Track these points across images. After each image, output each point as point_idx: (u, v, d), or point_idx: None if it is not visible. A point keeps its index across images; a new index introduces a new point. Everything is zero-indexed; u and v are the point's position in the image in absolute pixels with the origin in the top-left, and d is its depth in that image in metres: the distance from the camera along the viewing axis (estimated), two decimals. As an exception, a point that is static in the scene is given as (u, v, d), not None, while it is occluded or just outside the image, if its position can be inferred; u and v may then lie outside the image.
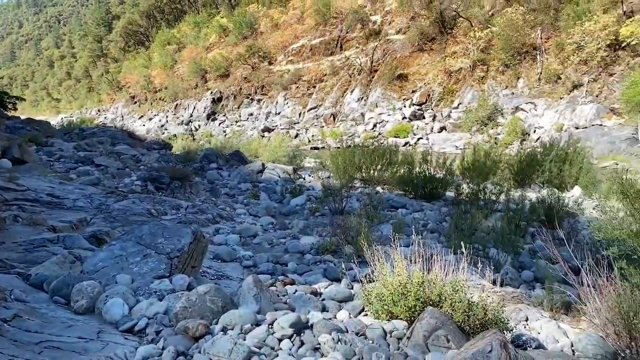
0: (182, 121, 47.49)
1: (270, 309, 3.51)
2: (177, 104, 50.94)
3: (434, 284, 3.10)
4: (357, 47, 42.94)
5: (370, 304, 3.29)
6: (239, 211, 8.77)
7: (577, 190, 10.65)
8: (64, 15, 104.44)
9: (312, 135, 36.72)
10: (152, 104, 54.60)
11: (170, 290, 3.63)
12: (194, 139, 28.44)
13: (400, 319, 3.11)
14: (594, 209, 9.08)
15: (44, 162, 10.86)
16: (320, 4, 46.36)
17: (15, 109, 36.23)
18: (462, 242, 3.65)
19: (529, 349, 3.14)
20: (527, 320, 3.87)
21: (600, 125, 24.10)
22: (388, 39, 41.55)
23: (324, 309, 3.53)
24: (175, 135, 30.56)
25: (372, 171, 11.32)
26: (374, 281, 3.73)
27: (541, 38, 30.51)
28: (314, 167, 14.94)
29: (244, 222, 7.61)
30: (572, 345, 3.30)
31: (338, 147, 28.34)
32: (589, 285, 3.42)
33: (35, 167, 10.15)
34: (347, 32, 44.70)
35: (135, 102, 57.56)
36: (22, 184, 7.83)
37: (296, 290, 3.99)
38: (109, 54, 75.45)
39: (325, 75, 42.62)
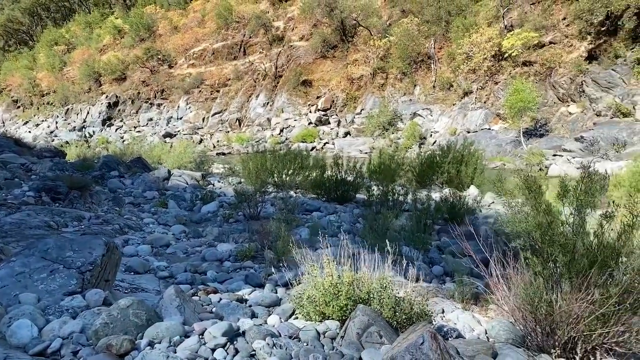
0: (75, 127, 44.23)
1: (196, 319, 3.39)
2: (68, 109, 47.32)
3: (362, 282, 3.19)
4: (261, 52, 42.93)
5: (301, 306, 3.30)
6: (147, 220, 8.36)
7: (473, 189, 11.52)
8: None
9: (218, 141, 36.02)
10: (38, 108, 50.21)
11: (84, 306, 3.36)
12: (89, 146, 26.59)
13: (333, 319, 3.15)
14: (489, 205, 9.89)
15: None
16: (222, 7, 45.72)
17: None
18: (377, 242, 3.78)
19: (450, 339, 3.34)
20: (443, 312, 4.11)
21: (489, 129, 26.34)
22: (292, 45, 42.03)
23: (253, 315, 3.47)
24: (68, 142, 28.36)
25: (284, 175, 11.36)
26: (300, 284, 3.74)
27: (434, 48, 32.68)
28: (224, 173, 14.69)
29: (154, 232, 7.26)
30: (486, 333, 3.56)
31: (248, 152, 28.11)
32: (498, 276, 3.71)
33: None
34: (250, 37, 44.49)
35: (19, 107, 52.58)
36: None
37: (221, 299, 3.88)
38: (-16, 53, 68.12)
39: (229, 79, 42.04)
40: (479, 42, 28.12)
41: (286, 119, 36.37)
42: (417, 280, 5.26)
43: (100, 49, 52.13)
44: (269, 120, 37.16)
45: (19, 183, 9.89)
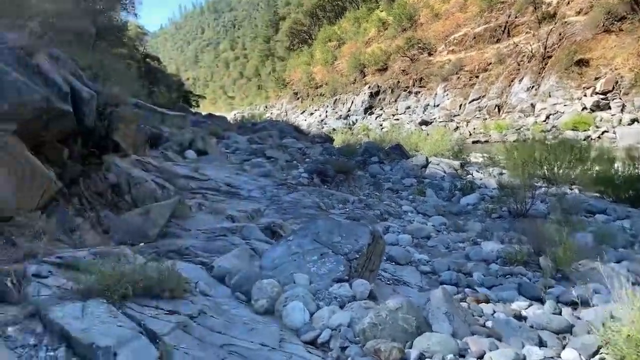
0: (340, 115, 48.61)
1: (467, 332, 2.94)
2: (336, 99, 52.32)
3: None
4: (528, 32, 39.20)
5: (613, 346, 2.51)
6: (405, 208, 8.26)
7: None
8: (238, 19, 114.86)
9: (474, 128, 34.54)
10: (313, 99, 56.93)
11: (350, 296, 3.27)
12: (352, 133, 28.73)
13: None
14: None
15: (222, 154, 11.63)
16: (487, -12, 43.36)
17: (198, 106, 40.61)
18: None
19: None
20: None
21: None
22: (565, 22, 37.12)
23: (540, 343, 2.84)
24: (334, 129, 31.25)
25: (556, 168, 9.89)
26: (593, 306, 2.91)
27: None
28: (483, 163, 13.74)
29: (413, 221, 7.07)
30: None
31: (505, 141, 26.15)
32: None
33: (215, 158, 10.90)
34: (515, 17, 41.10)
35: (298, 99, 60.63)
36: (204, 174, 8.36)
37: (494, 311, 3.34)
38: (275, 54, 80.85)
39: (490, 64, 39.75)
40: None
41: (553, 104, 32.43)
42: None
43: (366, 42, 55.80)
44: (532, 106, 33.76)
45: (296, 165, 11.07)
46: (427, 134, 23.72)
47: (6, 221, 4.31)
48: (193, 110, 30.62)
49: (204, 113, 25.62)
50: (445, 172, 11.97)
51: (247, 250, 4.05)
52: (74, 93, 5.06)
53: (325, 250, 3.80)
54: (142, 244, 5.27)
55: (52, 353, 2.50)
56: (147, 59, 32.64)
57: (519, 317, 3.32)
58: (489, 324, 3.09)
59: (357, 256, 3.71)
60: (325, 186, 9.67)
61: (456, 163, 12.84)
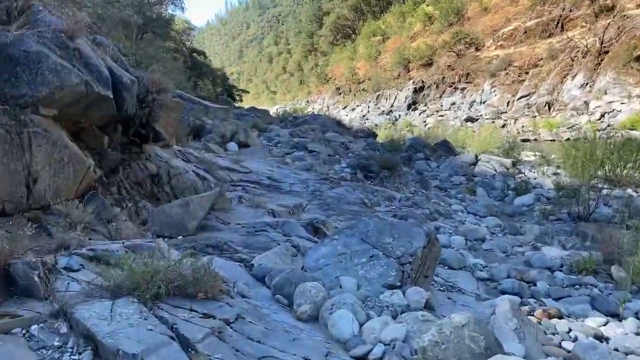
0: (383, 111, 47.87)
1: (540, 354, 2.54)
2: (378, 95, 51.57)
3: None
4: (583, 26, 37.28)
5: None
6: (455, 207, 7.79)
7: None
8: (282, 14, 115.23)
9: (522, 126, 33.18)
10: (355, 95, 56.36)
11: (404, 305, 2.91)
12: (395, 129, 28.13)
13: None
14: None
15: (264, 146, 11.44)
16: (541, -20, 41.54)
17: (241, 100, 40.89)
18: None
19: None
20: None
21: None
22: (624, 15, 35.07)
23: (635, 374, 2.40)
24: (377, 125, 30.69)
25: (621, 169, 9.13)
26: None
27: None
28: (536, 161, 12.99)
29: (465, 222, 6.62)
30: None
31: (554, 140, 24.92)
32: None
33: (257, 150, 10.71)
34: (570, 10, 39.18)
35: (340, 94, 60.18)
36: (245, 166, 8.15)
37: (570, 329, 2.90)
38: (318, 49, 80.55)
39: (541, 59, 38.08)
40: None
41: (609, 102, 30.72)
42: None
43: (411, 37, 54.69)
44: (586, 103, 32.11)
45: (339, 159, 10.74)
46: (474, 131, 22.89)
47: (44, 210, 4.19)
48: (236, 104, 30.80)
49: (246, 107, 25.66)
50: (496, 170, 11.35)
51: (289, 248, 3.75)
52: (114, 78, 4.90)
53: (375, 252, 3.46)
54: (180, 236, 5.09)
55: (76, 357, 2.28)
56: (194, 53, 33.06)
57: (600, 338, 2.87)
58: (566, 345, 2.67)
59: (411, 260, 3.34)
60: (369, 182, 9.30)
61: (507, 161, 12.17)
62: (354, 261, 3.42)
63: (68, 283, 2.83)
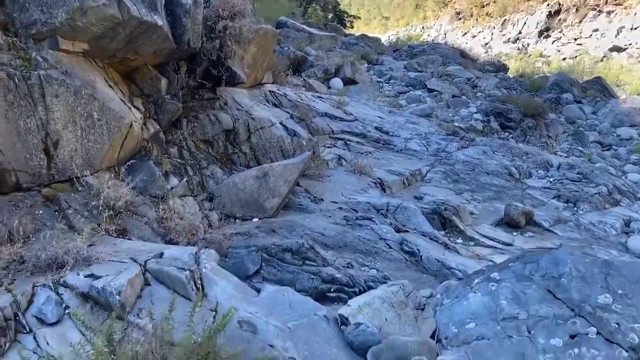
0: (509, 39, 42.45)
1: None
2: (505, 20, 45.78)
3: None
4: None
5: None
6: (632, 177, 5.64)
7: None
8: None
9: (689, 58, 27.23)
10: (477, 19, 50.73)
11: None
12: (527, 61, 24.36)
13: None
14: None
15: (373, 83, 9.69)
16: None
17: (352, 27, 38.50)
18: None
19: None
20: None
21: None
22: None
23: None
24: (504, 56, 26.94)
25: None
26: None
27: None
28: None
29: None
30: None
31: None
32: None
33: (364, 88, 9.03)
34: None
35: (460, 19, 54.61)
36: (349, 112, 6.58)
37: None
38: (438, -32, 73.40)
39: None
40: None
41: None
42: None
43: (549, -50, 47.06)
44: None
45: (466, 102, 8.69)
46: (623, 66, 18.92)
47: (72, 183, 3.03)
48: (346, 31, 28.74)
49: (356, 34, 23.60)
50: (678, 120, 8.57)
51: (408, 289, 2.21)
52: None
53: (577, 325, 1.81)
54: (255, 218, 3.79)
55: None
56: (305, -23, 31.12)
57: None
58: None
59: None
60: (507, 133, 7.30)
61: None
62: (537, 339, 1.81)
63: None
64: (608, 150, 7.17)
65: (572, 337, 1.78)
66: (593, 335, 1.77)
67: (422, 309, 2.07)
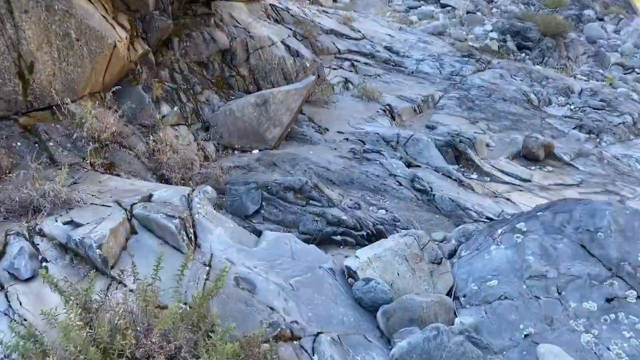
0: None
1: None
2: None
3: None
4: None
5: None
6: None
7: None
8: None
9: None
10: None
11: None
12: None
13: None
14: None
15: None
16: None
17: None
18: None
19: None
20: None
21: None
22: None
23: None
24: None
25: None
26: None
27: None
28: None
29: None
30: None
31: None
32: None
33: (373, 2, 8.38)
34: None
35: None
36: (357, 28, 6.09)
37: None
38: None
39: None
40: None
41: None
42: None
43: None
44: None
45: (481, 19, 8.08)
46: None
47: (52, 112, 2.74)
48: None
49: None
50: None
51: (423, 239, 2.00)
52: None
53: (615, 285, 1.61)
54: (255, 150, 3.53)
55: None
56: None
57: None
58: None
59: None
60: (524, 53, 6.85)
61: None
62: (568, 302, 1.62)
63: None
64: (630, 73, 6.75)
65: (608, 300, 1.60)
66: (633, 300, 1.58)
67: (439, 263, 1.87)
